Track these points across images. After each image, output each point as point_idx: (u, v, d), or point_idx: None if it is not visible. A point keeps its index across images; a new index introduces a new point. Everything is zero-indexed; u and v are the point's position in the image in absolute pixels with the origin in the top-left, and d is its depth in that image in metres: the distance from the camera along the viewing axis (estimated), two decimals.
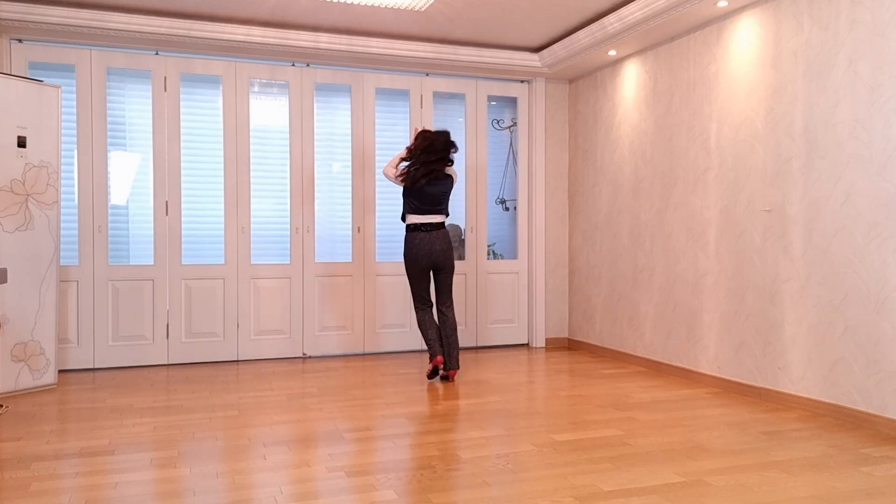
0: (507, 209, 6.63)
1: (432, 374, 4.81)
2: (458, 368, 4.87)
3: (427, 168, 4.67)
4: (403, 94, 6.06)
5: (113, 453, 3.17)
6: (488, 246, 6.37)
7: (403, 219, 4.83)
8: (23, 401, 4.23)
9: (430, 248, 4.70)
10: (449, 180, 4.80)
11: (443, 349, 4.81)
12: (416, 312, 4.84)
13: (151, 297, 5.38)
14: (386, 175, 4.83)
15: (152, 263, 5.38)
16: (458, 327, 6.10)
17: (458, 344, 4.85)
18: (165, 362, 5.42)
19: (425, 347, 6.04)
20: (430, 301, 4.85)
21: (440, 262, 4.74)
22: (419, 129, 4.86)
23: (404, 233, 4.81)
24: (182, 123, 5.46)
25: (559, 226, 6.40)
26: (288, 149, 5.72)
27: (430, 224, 4.74)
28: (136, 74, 5.41)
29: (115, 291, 5.29)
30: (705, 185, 4.70)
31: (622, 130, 5.60)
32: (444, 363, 4.79)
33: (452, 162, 4.81)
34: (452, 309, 4.87)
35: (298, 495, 2.64)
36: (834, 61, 3.77)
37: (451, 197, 4.87)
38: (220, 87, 5.55)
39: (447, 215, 4.83)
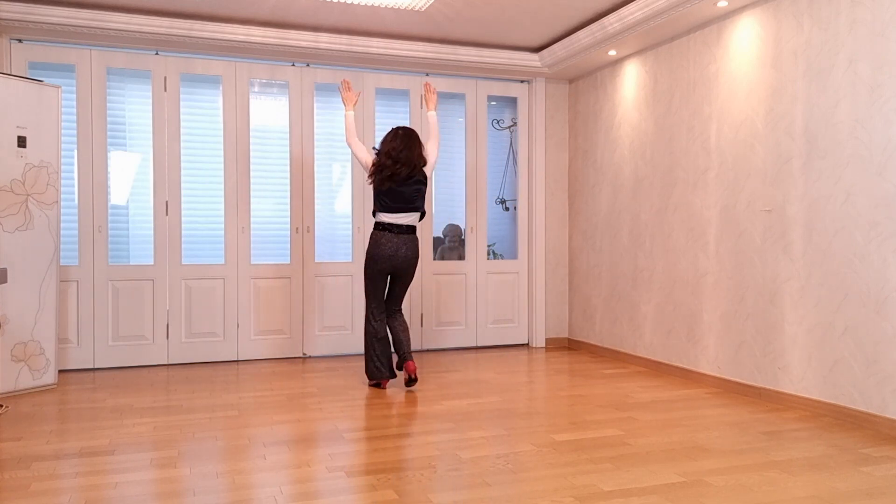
0: (507, 209, 6.63)
1: (375, 386, 4.55)
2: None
3: (399, 171, 4.33)
4: (403, 94, 6.05)
5: (113, 453, 3.17)
6: (488, 246, 6.37)
7: (374, 215, 4.51)
8: (23, 401, 4.23)
9: (394, 251, 4.37)
10: (422, 176, 4.47)
11: (397, 347, 4.48)
12: (370, 322, 4.46)
13: (151, 297, 5.38)
14: (355, 150, 4.48)
15: (152, 263, 5.38)
16: (458, 327, 6.15)
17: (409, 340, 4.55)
18: (165, 362, 5.42)
19: (422, 347, 6.06)
20: (384, 309, 4.54)
21: (402, 268, 4.43)
22: (393, 129, 4.49)
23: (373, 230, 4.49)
24: (182, 123, 5.46)
25: (559, 226, 6.40)
26: (288, 149, 5.72)
27: (401, 226, 4.41)
28: (136, 74, 5.41)
29: (115, 291, 5.29)
30: (705, 185, 4.70)
31: (622, 130, 5.60)
32: (404, 357, 4.45)
33: (425, 162, 4.49)
34: (402, 313, 4.61)
35: (298, 495, 2.64)
36: (834, 61, 3.77)
37: (426, 193, 4.53)
38: (220, 87, 5.55)
39: (423, 214, 4.51)
